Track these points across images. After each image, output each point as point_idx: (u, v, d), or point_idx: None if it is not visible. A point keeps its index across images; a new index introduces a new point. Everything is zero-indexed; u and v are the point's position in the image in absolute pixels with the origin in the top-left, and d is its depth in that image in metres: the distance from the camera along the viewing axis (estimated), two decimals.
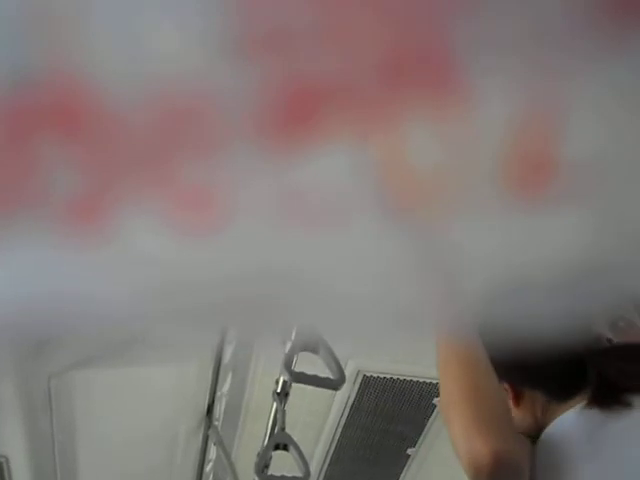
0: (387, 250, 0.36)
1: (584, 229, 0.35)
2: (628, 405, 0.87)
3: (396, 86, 0.31)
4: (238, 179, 0.33)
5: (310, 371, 1.42)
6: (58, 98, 0.30)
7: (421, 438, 2.38)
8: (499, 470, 0.79)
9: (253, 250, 0.35)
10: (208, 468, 2.43)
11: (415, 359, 2.07)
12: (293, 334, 1.39)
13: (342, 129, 0.32)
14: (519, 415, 0.95)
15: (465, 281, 0.38)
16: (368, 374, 2.18)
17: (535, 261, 0.37)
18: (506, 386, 0.95)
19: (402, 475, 2.53)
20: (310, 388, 1.64)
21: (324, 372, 1.41)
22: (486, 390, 0.85)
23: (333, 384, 1.40)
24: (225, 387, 2.28)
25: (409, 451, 2.44)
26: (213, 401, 2.31)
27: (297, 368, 1.45)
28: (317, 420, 2.33)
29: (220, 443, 2.22)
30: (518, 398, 0.96)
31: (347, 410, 2.30)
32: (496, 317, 0.42)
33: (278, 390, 1.64)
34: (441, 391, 0.89)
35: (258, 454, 1.62)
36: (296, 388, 1.68)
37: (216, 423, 2.30)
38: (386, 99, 0.31)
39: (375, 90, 0.31)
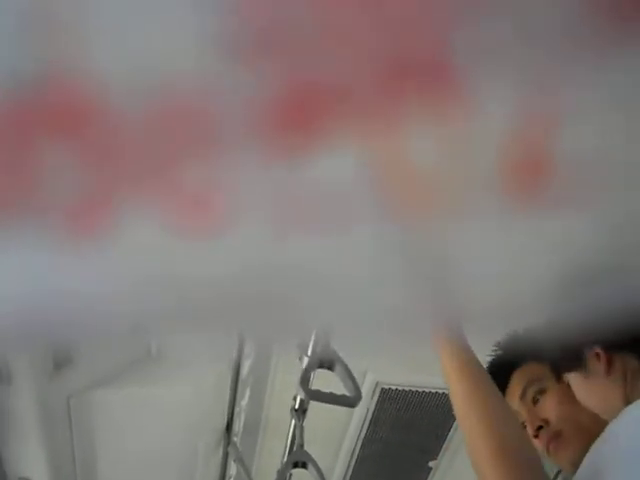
0: (387, 253, 0.36)
1: (583, 231, 0.35)
2: None
3: (396, 89, 0.31)
4: (239, 181, 0.33)
5: (328, 388, 1.42)
6: (57, 100, 0.30)
7: (442, 450, 2.36)
8: None
9: (254, 253, 0.35)
10: None
11: (434, 370, 2.05)
12: (309, 350, 1.38)
13: (342, 131, 0.32)
14: (608, 385, 0.92)
15: (466, 284, 0.38)
16: (386, 387, 2.17)
17: (535, 263, 0.37)
18: (598, 350, 0.93)
19: None
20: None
21: (341, 389, 1.41)
22: (516, 445, 0.85)
23: (350, 401, 1.39)
24: (243, 402, 2.28)
25: (431, 464, 2.42)
26: (232, 417, 2.30)
27: (315, 384, 1.45)
28: (336, 434, 2.32)
29: (240, 460, 2.22)
30: (609, 364, 0.93)
31: (366, 424, 2.29)
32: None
33: (296, 407, 1.63)
34: (467, 445, 0.87)
35: (278, 472, 1.61)
36: (314, 403, 1.67)
37: (235, 439, 2.30)
38: (386, 102, 0.31)
39: (375, 93, 0.31)
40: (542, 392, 1.11)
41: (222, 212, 0.33)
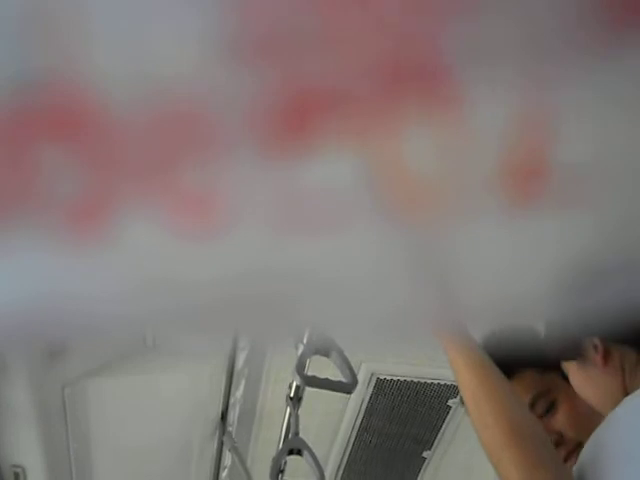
0: (386, 254, 0.36)
1: (581, 232, 0.36)
2: None
3: (393, 92, 0.31)
4: (239, 183, 0.33)
5: (323, 375, 1.42)
6: (57, 102, 0.30)
7: (437, 440, 2.37)
8: None
9: (254, 254, 0.35)
10: (224, 474, 2.43)
11: (429, 361, 2.06)
12: (305, 338, 1.38)
13: (341, 134, 0.32)
14: (605, 376, 0.92)
15: (464, 286, 0.38)
16: (382, 377, 2.17)
17: (532, 265, 0.37)
18: (596, 341, 0.93)
19: (418, 478, 2.52)
20: (324, 392, 1.64)
21: (337, 377, 1.41)
22: (529, 426, 0.86)
23: (346, 388, 1.40)
24: (238, 393, 2.28)
25: (425, 454, 2.43)
26: (227, 407, 2.31)
27: (310, 372, 1.45)
28: (331, 424, 2.33)
29: (235, 449, 2.22)
30: (607, 356, 0.93)
31: (361, 414, 2.29)
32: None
33: (291, 395, 1.63)
34: (478, 430, 0.88)
35: (273, 459, 1.61)
36: (310, 393, 1.68)
37: (230, 429, 2.30)
38: (383, 105, 0.31)
39: (373, 95, 0.31)
40: (553, 404, 1.08)
41: (222, 213, 0.33)
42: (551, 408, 1.08)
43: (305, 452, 1.57)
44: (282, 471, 1.61)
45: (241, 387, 2.26)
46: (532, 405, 1.07)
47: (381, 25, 0.30)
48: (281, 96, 0.31)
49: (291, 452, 1.58)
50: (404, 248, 0.36)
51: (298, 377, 1.39)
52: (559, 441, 1.05)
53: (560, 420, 1.07)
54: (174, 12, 0.30)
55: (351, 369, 1.39)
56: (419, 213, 0.34)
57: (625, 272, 0.37)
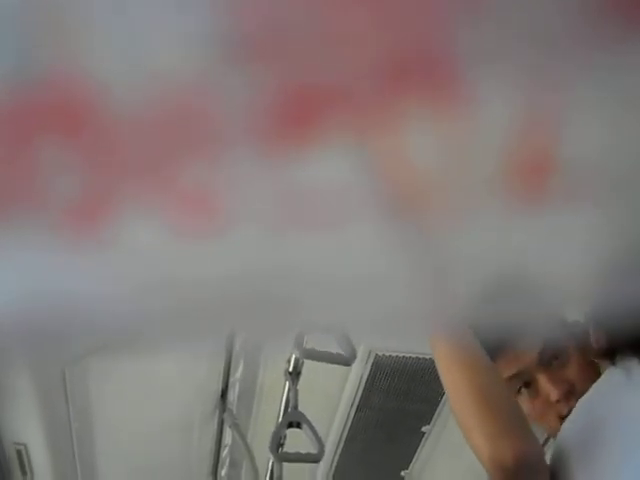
0: (387, 253, 0.36)
1: (585, 232, 0.36)
2: None
3: (395, 89, 0.31)
4: (238, 181, 0.33)
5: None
6: (57, 100, 0.30)
7: (435, 415, 2.39)
8: (527, 470, 0.83)
9: (254, 251, 0.35)
10: (225, 453, 2.45)
11: (427, 337, 2.06)
12: None
13: (341, 131, 0.31)
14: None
15: (464, 282, 0.38)
16: (380, 353, 2.18)
17: (535, 262, 0.37)
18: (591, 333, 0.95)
19: (417, 452, 2.54)
20: (323, 370, 1.64)
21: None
22: (498, 394, 0.88)
23: (344, 360, 1.41)
24: (238, 371, 2.29)
25: (424, 429, 2.44)
26: (227, 385, 2.32)
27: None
28: (331, 402, 2.34)
29: (236, 426, 2.24)
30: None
31: (360, 390, 2.30)
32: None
33: (290, 369, 1.64)
34: (451, 398, 0.90)
35: (273, 433, 1.63)
36: (309, 371, 1.68)
37: (230, 407, 2.32)
38: (385, 101, 0.31)
39: (374, 92, 0.31)
40: (565, 354, 1.06)
41: (221, 211, 0.33)
42: (562, 356, 1.06)
43: (304, 425, 1.59)
44: (282, 445, 1.62)
45: (240, 365, 2.27)
46: (541, 355, 1.05)
47: (382, 21, 0.30)
48: (281, 93, 0.30)
49: (290, 425, 1.60)
50: (406, 246, 0.36)
51: (297, 350, 1.39)
52: (570, 390, 1.04)
53: (572, 372, 1.05)
54: (173, 10, 0.30)
55: (349, 342, 1.40)
56: (422, 211, 0.34)
57: (629, 271, 0.37)
